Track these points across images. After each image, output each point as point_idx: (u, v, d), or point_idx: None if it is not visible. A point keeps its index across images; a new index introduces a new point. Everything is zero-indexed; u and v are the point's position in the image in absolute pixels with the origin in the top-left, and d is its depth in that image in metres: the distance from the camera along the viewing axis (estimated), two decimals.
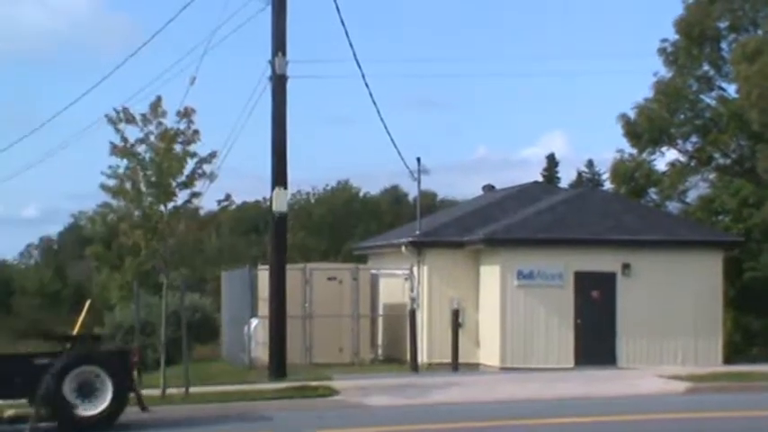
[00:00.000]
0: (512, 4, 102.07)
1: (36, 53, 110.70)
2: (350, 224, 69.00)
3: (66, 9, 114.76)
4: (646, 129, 41.04)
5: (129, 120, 22.61)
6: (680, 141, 42.26)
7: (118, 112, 22.58)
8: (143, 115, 22.69)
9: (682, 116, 41.65)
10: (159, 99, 22.93)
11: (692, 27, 40.60)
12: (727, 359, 31.60)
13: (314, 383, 24.39)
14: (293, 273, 30.71)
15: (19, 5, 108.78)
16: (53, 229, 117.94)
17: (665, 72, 41.82)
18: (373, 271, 35.35)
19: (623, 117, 41.71)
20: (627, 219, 32.70)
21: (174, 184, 22.91)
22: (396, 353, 33.52)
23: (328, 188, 73.49)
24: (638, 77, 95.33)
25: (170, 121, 22.94)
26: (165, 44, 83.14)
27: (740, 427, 16.94)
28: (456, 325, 31.32)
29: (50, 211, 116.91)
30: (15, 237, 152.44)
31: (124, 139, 22.61)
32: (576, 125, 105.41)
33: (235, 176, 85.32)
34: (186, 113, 23.07)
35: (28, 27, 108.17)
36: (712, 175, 42.33)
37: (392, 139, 34.85)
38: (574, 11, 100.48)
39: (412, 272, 33.10)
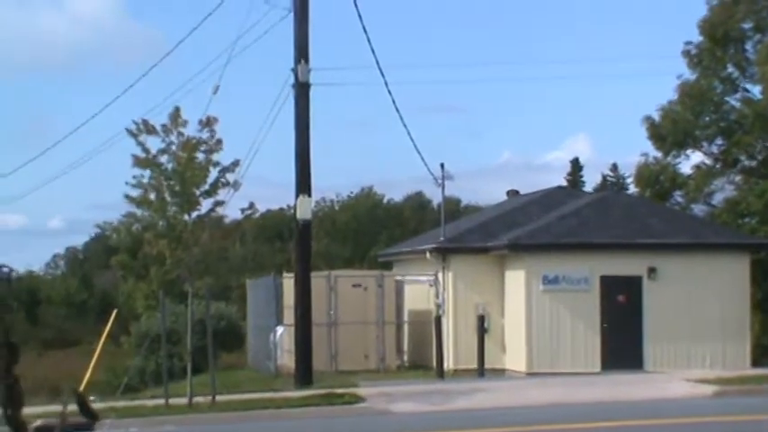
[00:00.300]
0: (535, 7, 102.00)
1: (58, 63, 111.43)
2: (374, 231, 69.06)
3: (89, 19, 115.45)
4: (670, 131, 40.82)
5: (150, 131, 22.72)
6: (705, 144, 42.01)
7: (137, 125, 22.70)
8: (164, 126, 22.79)
9: (706, 118, 41.40)
10: (178, 110, 23.03)
11: (715, 28, 40.39)
12: (756, 362, 31.39)
13: (340, 390, 24.37)
14: (318, 280, 30.73)
15: (43, 15, 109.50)
16: (79, 240, 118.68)
17: (689, 74, 41.61)
18: (398, 277, 35.32)
19: (648, 119, 41.53)
20: (652, 222, 32.55)
21: (197, 193, 22.99)
22: (421, 359, 33.47)
23: (352, 195, 73.61)
24: (662, 80, 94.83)
25: (192, 131, 23.04)
26: (189, 54, 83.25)
27: None
28: (482, 331, 31.25)
29: (76, 221, 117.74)
30: (41, 248, 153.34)
31: (146, 151, 22.71)
32: (600, 129, 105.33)
33: (259, 184, 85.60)
34: (209, 122, 23.15)
35: (51, 36, 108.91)
36: (738, 178, 42.06)
37: (415, 145, 34.91)
38: (598, 14, 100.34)
39: (437, 278, 33.05)
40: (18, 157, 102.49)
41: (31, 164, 61.16)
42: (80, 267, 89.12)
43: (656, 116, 41.37)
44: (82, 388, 27.42)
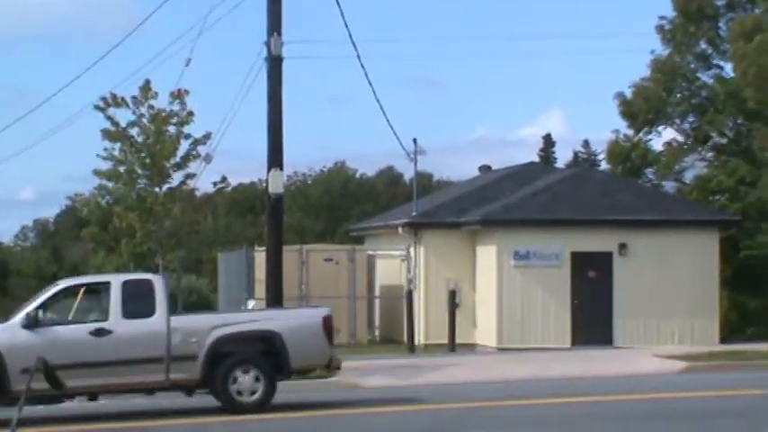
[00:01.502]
0: None
1: (31, 33, 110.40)
2: (346, 205, 69.00)
3: None
4: (642, 108, 40.92)
5: (119, 104, 22.59)
6: (677, 121, 42.17)
7: (105, 99, 22.57)
8: (134, 98, 22.67)
9: (678, 95, 41.54)
10: (148, 82, 22.93)
11: (689, 4, 40.40)
12: (724, 338, 31.64)
13: None
14: (290, 254, 30.66)
15: None
16: (50, 212, 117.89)
17: (662, 50, 41.71)
18: (370, 252, 35.34)
19: (620, 96, 41.60)
20: (623, 198, 32.68)
21: (167, 165, 22.90)
22: (393, 334, 33.54)
23: (324, 169, 73.50)
24: (636, 56, 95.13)
25: (164, 103, 22.93)
26: (162, 25, 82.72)
27: (737, 406, 16.94)
28: (453, 306, 31.32)
29: (47, 193, 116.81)
30: (11, 219, 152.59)
31: (115, 124, 22.60)
32: (573, 105, 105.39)
33: (231, 158, 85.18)
34: (179, 95, 23.05)
35: (23, 6, 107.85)
36: (709, 155, 42.27)
37: (388, 120, 34.65)
38: None
39: (408, 253, 33.08)
40: None
41: (3, 134, 60.71)
42: (50, 239, 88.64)
43: (628, 93, 41.49)
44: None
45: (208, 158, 23.43)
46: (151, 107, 22.73)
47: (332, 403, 18.51)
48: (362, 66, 28.75)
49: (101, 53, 28.23)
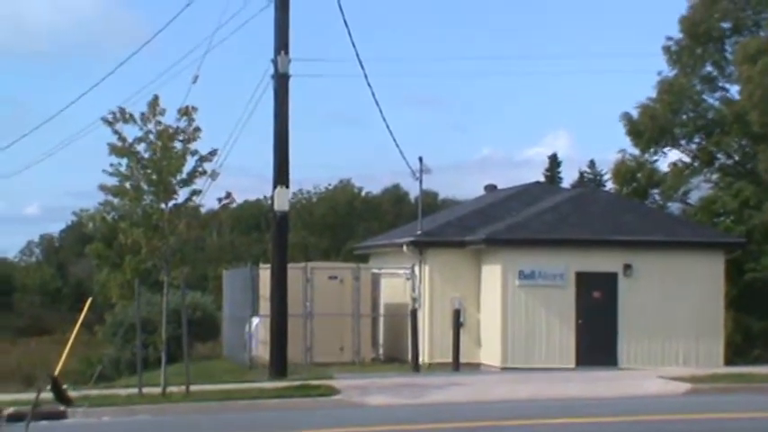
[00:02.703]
0: (519, 3, 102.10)
1: (40, 50, 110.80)
2: (351, 223, 69.02)
3: (71, 6, 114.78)
4: (648, 128, 40.94)
5: (127, 120, 22.64)
6: (682, 141, 42.18)
7: (114, 114, 22.62)
8: (142, 114, 22.72)
9: (684, 116, 41.56)
10: (156, 98, 22.96)
11: (696, 26, 40.50)
12: (728, 360, 31.55)
13: (314, 382, 24.36)
14: (294, 272, 30.70)
15: (24, 2, 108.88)
16: (55, 227, 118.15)
17: (668, 71, 41.76)
18: (375, 270, 35.32)
19: (626, 116, 41.62)
20: (628, 219, 32.67)
21: (173, 181, 22.91)
22: (397, 352, 33.49)
23: (330, 187, 73.54)
24: (643, 77, 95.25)
25: (171, 120, 22.95)
26: (170, 43, 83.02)
27: (741, 428, 16.91)
28: (457, 325, 31.29)
29: (53, 208, 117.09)
30: (17, 234, 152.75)
31: (122, 139, 22.63)
32: (580, 125, 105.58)
33: (237, 175, 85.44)
34: (187, 111, 23.06)
35: (32, 24, 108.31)
36: (714, 176, 42.26)
37: (394, 138, 34.94)
38: (579, 9, 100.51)
39: (413, 271, 33.06)
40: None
41: (10, 149, 60.85)
42: (55, 255, 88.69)
43: (635, 113, 41.53)
44: (56, 374, 27.29)
45: (214, 175, 23.46)
46: (159, 123, 22.76)
47: (335, 422, 18.49)
48: (369, 84, 28.94)
49: (108, 71, 28.38)
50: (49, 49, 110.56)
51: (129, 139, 22.69)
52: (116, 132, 22.61)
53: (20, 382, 37.54)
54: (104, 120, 22.58)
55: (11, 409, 18.47)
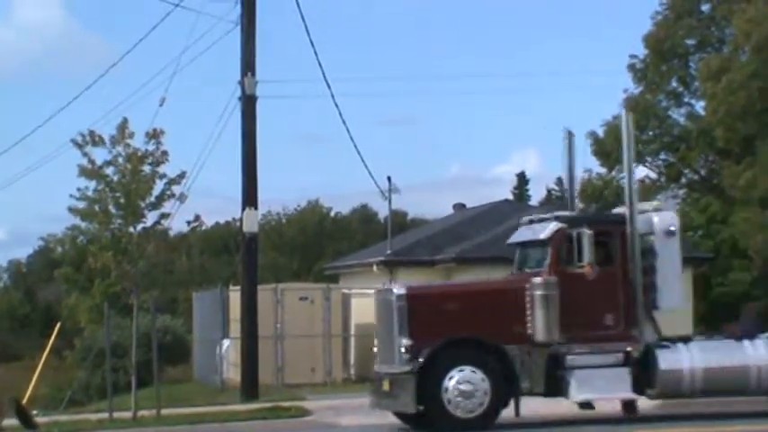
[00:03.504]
0: (485, 21, 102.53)
1: (5, 72, 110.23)
2: (321, 244, 68.98)
3: (36, 28, 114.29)
4: (614, 146, 41.22)
5: (96, 142, 22.60)
6: (648, 158, 42.50)
7: (84, 136, 22.57)
8: (111, 137, 22.68)
9: (650, 133, 41.91)
10: (125, 121, 22.93)
11: (660, 43, 40.90)
12: None
13: (286, 404, 24.29)
14: (265, 293, 30.62)
15: None
16: (22, 252, 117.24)
17: (633, 88, 42.12)
18: (345, 290, 35.31)
19: (592, 135, 41.91)
20: None
21: (142, 205, 22.86)
22: (368, 372, 33.24)
23: (299, 208, 73.53)
24: (609, 94, 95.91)
25: (139, 143, 22.92)
26: (136, 65, 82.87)
27: None
28: None
29: (19, 233, 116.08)
30: None
31: (91, 162, 22.58)
32: (547, 142, 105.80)
33: (205, 197, 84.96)
34: (155, 134, 23.04)
35: None
36: (681, 192, 42.61)
37: (362, 158, 34.72)
38: (548, 28, 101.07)
39: None
40: None
41: None
42: (23, 280, 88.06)
43: (600, 131, 41.80)
44: (24, 401, 27.09)
45: (182, 198, 23.45)
46: (128, 145, 22.72)
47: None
48: (336, 104, 28.99)
49: (75, 94, 28.33)
50: (16, 71, 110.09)
51: (98, 162, 22.64)
52: (85, 155, 22.55)
53: None
54: (74, 142, 22.53)
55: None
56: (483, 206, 39.72)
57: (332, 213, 74.84)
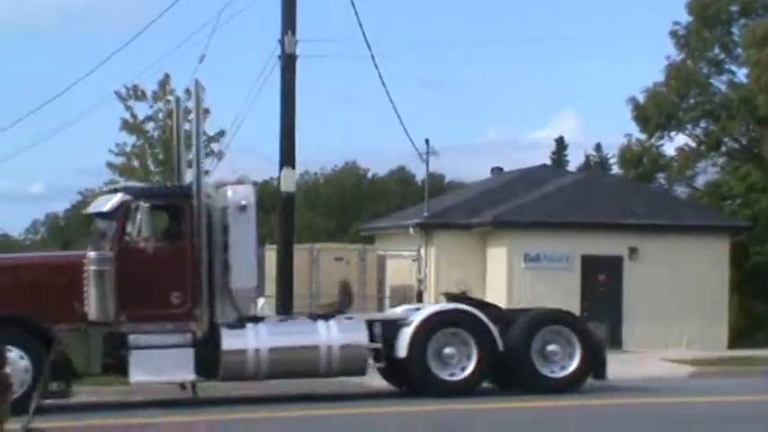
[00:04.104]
0: None
1: (44, 27, 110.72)
2: (358, 205, 69.08)
3: None
4: (654, 113, 40.95)
5: (139, 97, 22.73)
6: (689, 126, 42.17)
7: (128, 89, 22.71)
8: (154, 92, 22.80)
9: (691, 100, 41.55)
10: (167, 77, 23.03)
11: (704, 9, 40.42)
12: (732, 344, 31.65)
13: None
14: (300, 252, 30.74)
15: None
16: (61, 206, 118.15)
17: (675, 55, 41.70)
18: (381, 252, 35.39)
19: (632, 101, 41.59)
20: (634, 203, 32.71)
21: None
22: None
23: (336, 168, 73.61)
24: (651, 60, 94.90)
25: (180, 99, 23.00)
26: (176, 21, 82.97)
27: (744, 412, 16.98)
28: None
29: (58, 187, 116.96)
30: (22, 213, 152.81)
31: (134, 116, 22.73)
32: (587, 108, 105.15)
33: (243, 156, 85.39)
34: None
35: (38, 4, 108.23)
36: (721, 160, 42.28)
37: (401, 120, 34.67)
38: None
39: (419, 253, 33.13)
40: (3, 119, 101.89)
41: (15, 127, 60.74)
42: (61, 234, 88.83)
43: (641, 97, 41.47)
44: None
45: (220, 155, 23.60)
46: (168, 101, 22.82)
47: (336, 402, 18.59)
48: (376, 65, 28.81)
49: (114, 50, 28.35)
50: (54, 26, 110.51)
51: (140, 117, 22.78)
52: (129, 108, 22.70)
53: None
54: (118, 95, 22.69)
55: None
56: (520, 170, 39.59)
57: (369, 175, 74.90)
